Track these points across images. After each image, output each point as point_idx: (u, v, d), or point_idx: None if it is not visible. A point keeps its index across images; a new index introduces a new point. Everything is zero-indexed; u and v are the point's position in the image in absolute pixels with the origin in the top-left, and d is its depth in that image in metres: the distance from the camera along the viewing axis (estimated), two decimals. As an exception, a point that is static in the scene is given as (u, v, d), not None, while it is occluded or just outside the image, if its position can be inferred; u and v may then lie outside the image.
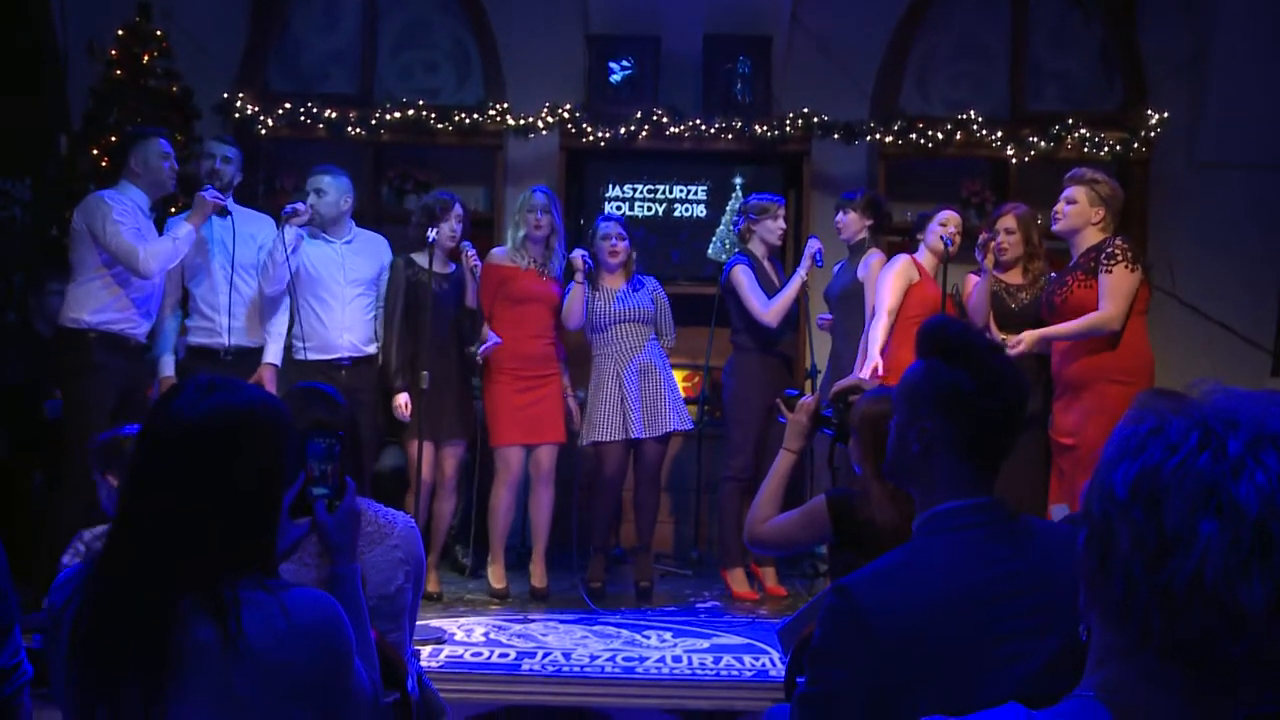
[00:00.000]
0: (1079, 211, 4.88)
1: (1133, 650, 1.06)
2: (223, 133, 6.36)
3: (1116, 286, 4.69)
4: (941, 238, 5.37)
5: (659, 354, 5.80)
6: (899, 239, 6.43)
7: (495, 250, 5.90)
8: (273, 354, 5.46)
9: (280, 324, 5.50)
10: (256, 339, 5.47)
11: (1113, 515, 1.05)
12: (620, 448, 5.67)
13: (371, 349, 5.60)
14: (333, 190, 5.57)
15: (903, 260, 5.39)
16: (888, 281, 5.33)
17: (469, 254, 5.52)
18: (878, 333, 5.24)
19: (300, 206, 5.39)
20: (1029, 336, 4.82)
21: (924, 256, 5.47)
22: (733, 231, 6.67)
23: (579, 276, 5.59)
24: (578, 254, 5.63)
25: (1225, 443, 1.03)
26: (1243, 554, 1.00)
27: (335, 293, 5.54)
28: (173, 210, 5.69)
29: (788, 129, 6.87)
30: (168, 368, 5.42)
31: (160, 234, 5.27)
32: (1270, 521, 1.00)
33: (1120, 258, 4.71)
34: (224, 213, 5.40)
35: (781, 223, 5.88)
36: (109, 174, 6.02)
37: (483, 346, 5.52)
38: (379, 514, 2.54)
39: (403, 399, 5.50)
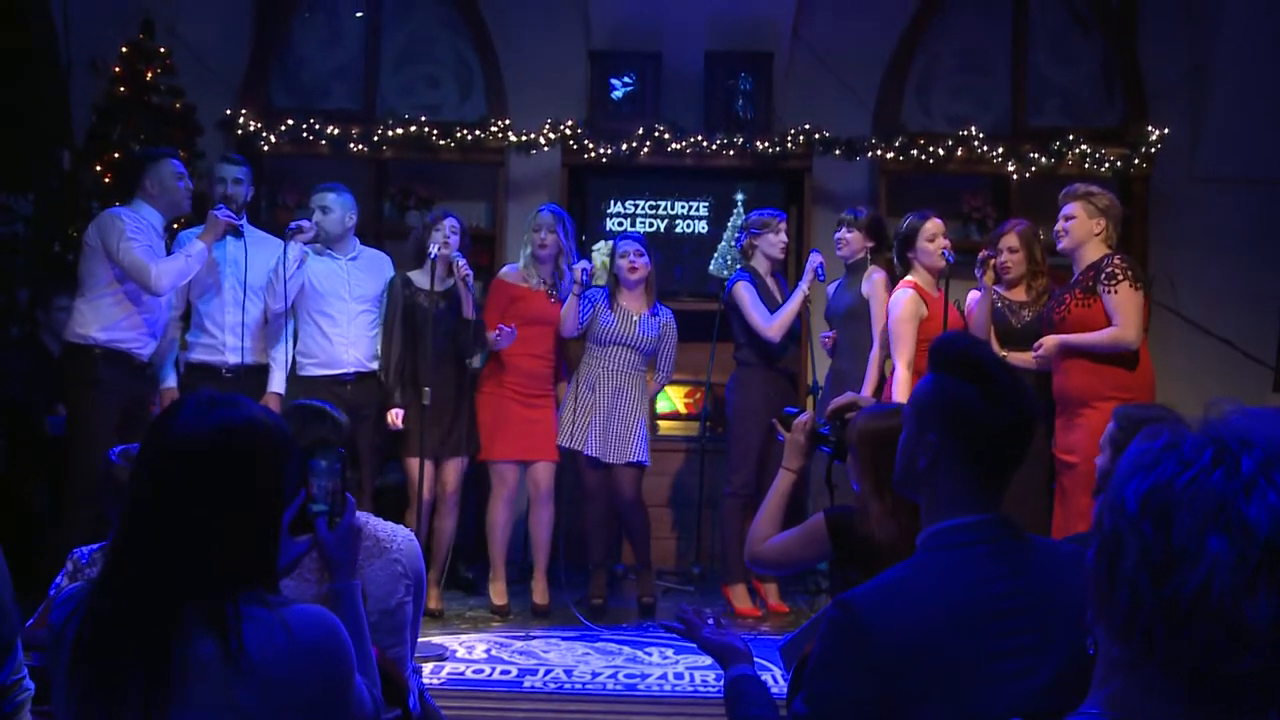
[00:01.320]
0: (1079, 225, 4.88)
1: (1138, 664, 1.06)
2: (225, 149, 6.38)
3: (1124, 305, 4.70)
4: (943, 253, 5.33)
5: (641, 387, 5.81)
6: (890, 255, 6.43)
7: (507, 268, 5.92)
8: (277, 382, 5.49)
9: (284, 351, 5.52)
10: (260, 358, 5.49)
11: (1123, 528, 1.06)
12: (590, 462, 5.70)
13: (374, 365, 5.61)
14: (337, 207, 5.60)
15: (908, 298, 5.22)
16: (899, 328, 5.17)
17: (459, 264, 5.52)
18: (901, 389, 5.06)
19: (305, 223, 5.42)
20: (1049, 342, 4.83)
21: (920, 273, 5.37)
22: (735, 247, 6.67)
23: (576, 288, 5.60)
24: (579, 265, 5.64)
25: (1239, 461, 1.03)
26: (1250, 571, 1.00)
27: (341, 309, 5.56)
28: (176, 226, 5.69)
29: (789, 145, 6.88)
30: (170, 379, 5.44)
31: (171, 249, 5.30)
32: None
33: (1121, 276, 4.72)
34: (237, 233, 5.42)
35: (783, 238, 5.88)
36: (112, 190, 6.04)
37: (495, 334, 5.51)
38: (379, 528, 2.54)
39: (395, 413, 5.51)
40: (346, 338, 5.56)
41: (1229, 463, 1.03)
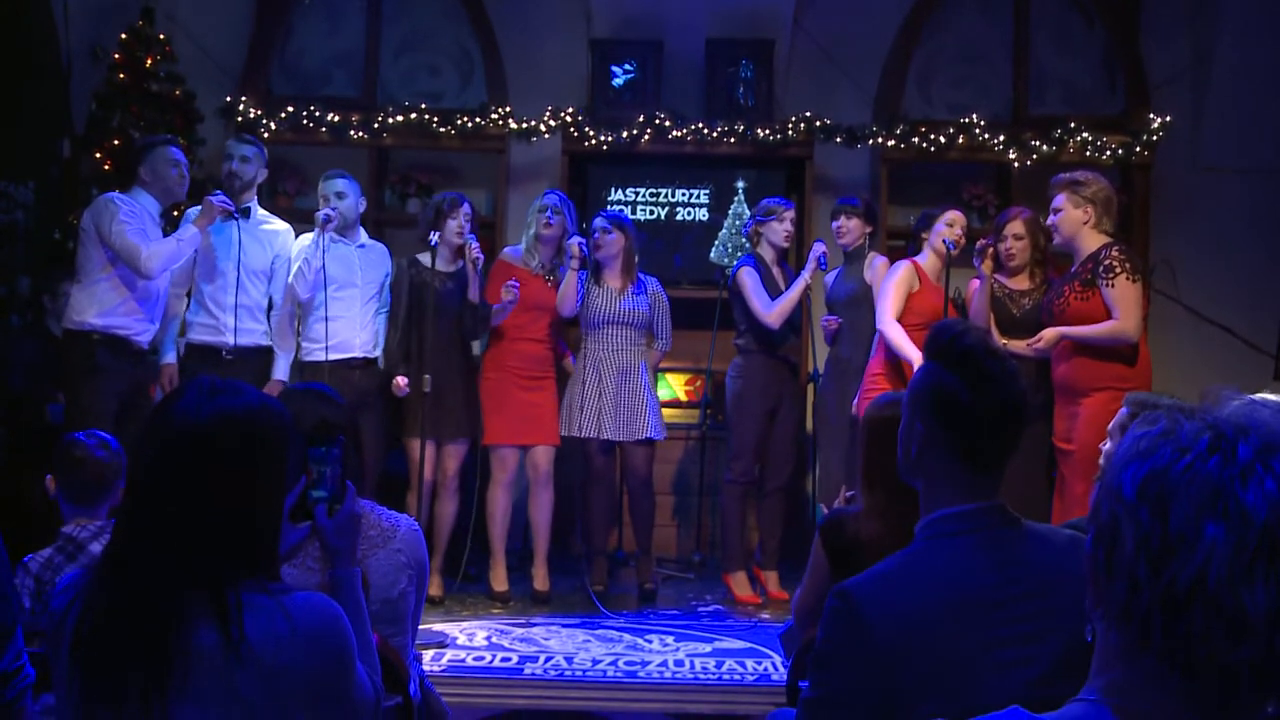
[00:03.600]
0: (1065, 218, 4.91)
1: (1135, 653, 1.06)
2: (226, 136, 6.37)
3: (1123, 298, 4.71)
4: (944, 240, 5.37)
5: (644, 363, 5.80)
6: (901, 242, 6.44)
7: (509, 249, 5.96)
8: (281, 370, 5.50)
9: (288, 341, 5.55)
10: (260, 340, 5.50)
11: (1120, 515, 1.05)
12: (601, 446, 5.70)
13: (378, 353, 5.65)
14: (352, 193, 5.67)
15: (904, 267, 5.38)
16: (888, 289, 5.31)
17: (471, 246, 5.55)
18: (901, 342, 5.15)
19: (332, 213, 5.44)
20: (1049, 334, 4.85)
21: (926, 259, 5.46)
22: (738, 235, 6.69)
23: (574, 264, 5.61)
24: (574, 240, 5.65)
25: (1235, 447, 1.03)
26: (1247, 558, 0.99)
27: (353, 295, 5.59)
28: (176, 213, 5.68)
29: (790, 133, 6.87)
30: (169, 355, 5.43)
31: (177, 229, 5.32)
32: (1278, 528, 0.99)
33: (1119, 269, 4.74)
34: (240, 214, 5.41)
35: (788, 225, 5.88)
36: (112, 178, 6.03)
37: (498, 306, 5.55)
38: (382, 517, 2.53)
39: (401, 380, 5.52)
40: (356, 323, 5.58)
41: (1225, 449, 1.03)
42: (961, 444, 1.91)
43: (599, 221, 5.85)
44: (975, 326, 1.99)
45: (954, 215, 5.49)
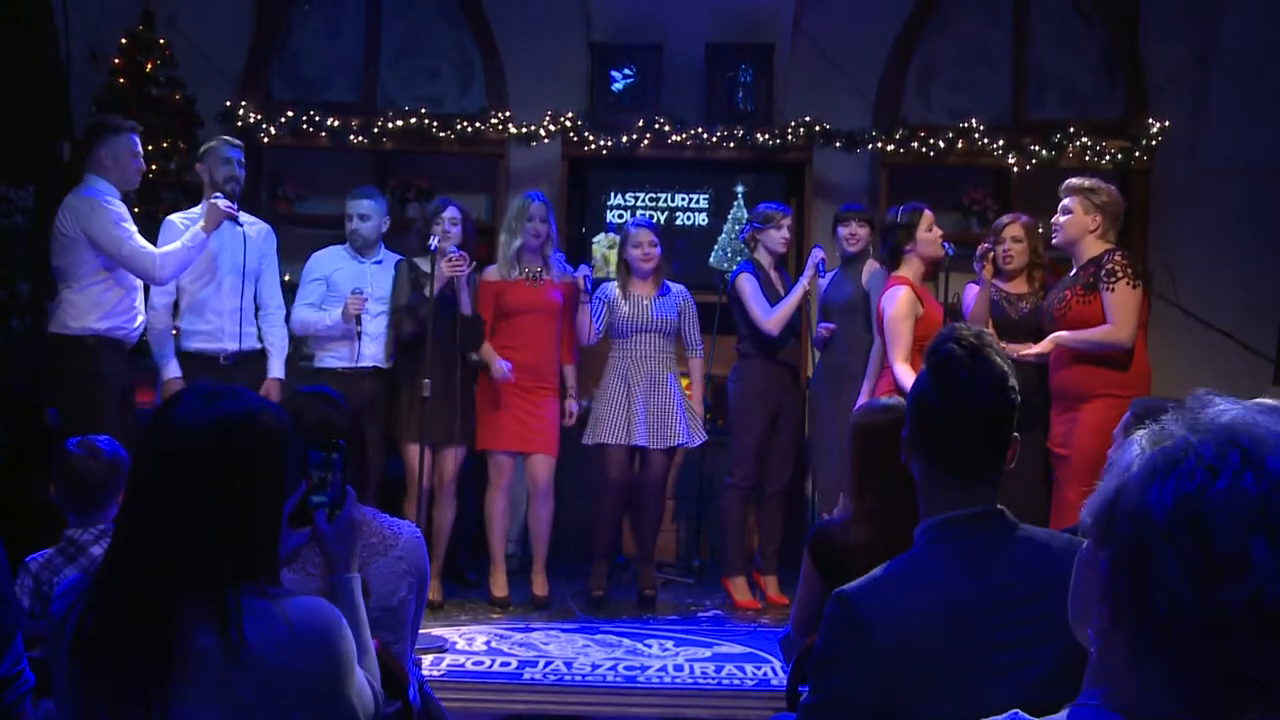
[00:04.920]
0: (1074, 221, 4.89)
1: (1149, 664, 1.05)
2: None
3: (1122, 304, 4.71)
4: (943, 244, 5.31)
5: (674, 370, 5.80)
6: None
7: (487, 268, 5.88)
8: (277, 368, 5.51)
9: (283, 338, 5.56)
10: (254, 344, 5.50)
11: (1151, 538, 1.03)
12: (624, 453, 5.66)
13: (388, 365, 5.68)
14: (375, 214, 5.71)
15: (905, 296, 5.13)
16: (898, 327, 5.08)
17: (452, 258, 5.48)
18: (906, 382, 4.92)
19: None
20: (1044, 346, 4.83)
21: (912, 267, 5.29)
22: (736, 240, 6.68)
23: (583, 297, 5.61)
24: (581, 274, 5.64)
25: (1264, 461, 1.01)
26: None
27: (363, 308, 5.58)
28: (164, 214, 5.66)
29: (790, 137, 6.86)
30: (173, 371, 5.36)
31: (158, 234, 5.29)
32: None
33: (1120, 274, 4.73)
34: (236, 220, 5.41)
35: (785, 232, 5.87)
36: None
37: (496, 368, 5.57)
38: (384, 524, 2.53)
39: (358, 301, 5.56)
40: (367, 335, 5.62)
41: (1256, 464, 1.01)
42: (934, 449, 1.92)
43: (646, 234, 5.78)
44: (972, 330, 1.98)
45: (930, 216, 5.33)
